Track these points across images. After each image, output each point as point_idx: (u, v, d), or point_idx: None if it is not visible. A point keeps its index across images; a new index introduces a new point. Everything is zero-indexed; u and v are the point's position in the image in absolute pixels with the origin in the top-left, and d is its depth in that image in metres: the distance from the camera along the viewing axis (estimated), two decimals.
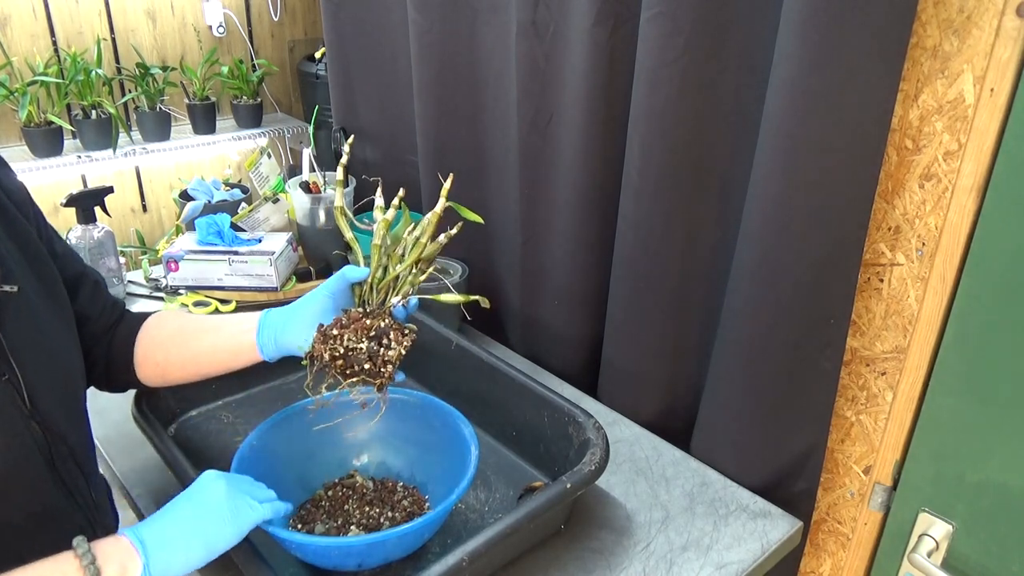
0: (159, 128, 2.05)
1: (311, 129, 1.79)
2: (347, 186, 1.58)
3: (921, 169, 0.82)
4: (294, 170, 1.98)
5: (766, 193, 0.86)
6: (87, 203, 1.37)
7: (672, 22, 0.88)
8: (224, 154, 2.28)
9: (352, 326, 0.79)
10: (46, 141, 1.87)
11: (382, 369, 0.78)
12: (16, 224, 0.75)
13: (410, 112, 1.40)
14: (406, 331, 0.81)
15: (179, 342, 0.89)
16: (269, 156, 1.61)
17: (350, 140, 1.06)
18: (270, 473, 0.83)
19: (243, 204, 1.51)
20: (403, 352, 0.79)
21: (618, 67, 1.00)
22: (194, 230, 1.44)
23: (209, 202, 1.52)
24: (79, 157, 1.91)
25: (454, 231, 0.86)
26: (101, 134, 1.94)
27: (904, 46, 0.76)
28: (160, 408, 1.01)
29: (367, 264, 0.85)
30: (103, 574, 0.61)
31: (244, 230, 1.46)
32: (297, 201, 1.50)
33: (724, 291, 0.97)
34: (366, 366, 0.78)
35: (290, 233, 1.51)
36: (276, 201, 1.51)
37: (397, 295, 0.83)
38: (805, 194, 0.83)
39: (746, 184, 0.89)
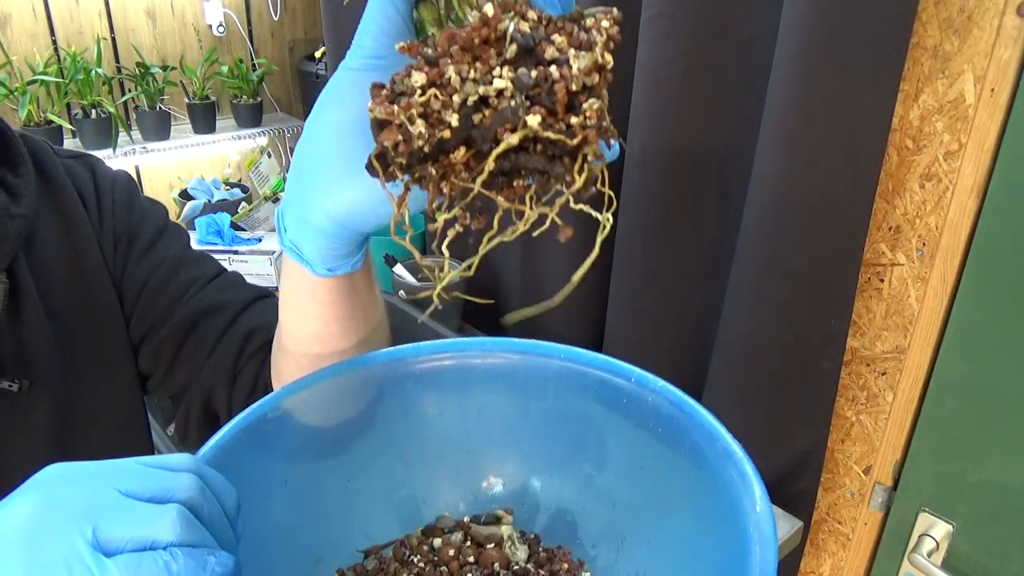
0: (159, 127, 2.05)
1: None
2: None
3: (922, 169, 0.82)
4: None
5: (766, 193, 0.86)
6: None
7: (672, 22, 0.88)
8: (224, 153, 2.28)
9: (457, 46, 0.32)
10: (46, 140, 1.87)
11: (572, 121, 0.32)
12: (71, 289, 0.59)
13: None
14: (595, 15, 0.34)
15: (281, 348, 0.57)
16: (269, 155, 1.61)
17: None
18: (315, 485, 0.45)
19: (243, 203, 1.51)
20: (610, 58, 0.33)
21: (618, 67, 1.00)
22: (194, 229, 1.44)
23: (209, 201, 1.52)
24: None
25: None
26: (101, 133, 1.94)
27: (904, 46, 0.76)
28: (160, 407, 1.01)
29: None
30: None
31: (244, 229, 1.46)
32: None
33: (724, 291, 0.97)
34: (530, 120, 0.31)
35: None
36: (276, 200, 1.51)
37: None
38: (805, 194, 0.83)
39: (746, 184, 0.89)
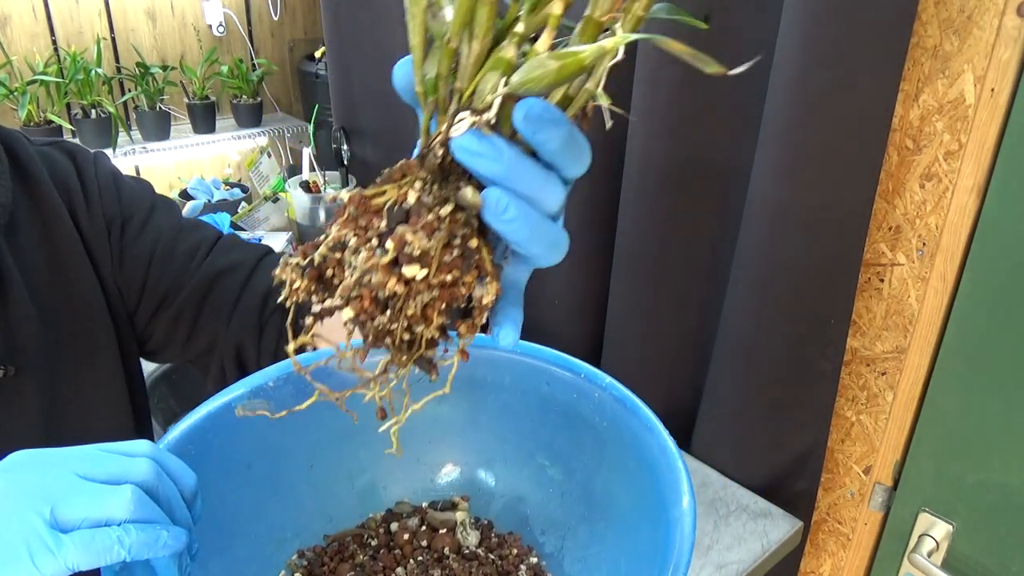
0: (159, 127, 2.05)
1: (311, 129, 1.79)
2: (347, 185, 1.58)
3: (922, 169, 0.82)
4: (294, 169, 1.98)
5: (766, 193, 0.86)
6: None
7: (673, 22, 0.88)
8: (224, 153, 2.28)
9: (345, 215, 0.33)
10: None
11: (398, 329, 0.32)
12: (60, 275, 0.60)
13: (410, 112, 1.40)
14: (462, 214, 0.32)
15: None
16: (269, 155, 1.61)
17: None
18: (269, 471, 0.46)
19: (243, 203, 1.51)
20: (486, 262, 0.32)
21: (618, 67, 1.00)
22: None
23: (209, 201, 1.52)
24: None
25: None
26: (101, 133, 1.94)
27: (904, 46, 0.76)
28: (160, 408, 1.01)
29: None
30: None
31: (244, 229, 1.46)
32: (297, 200, 1.51)
33: (724, 291, 0.97)
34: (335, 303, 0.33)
35: (290, 232, 1.51)
36: (276, 200, 1.51)
37: (470, 93, 0.32)
38: (805, 194, 0.83)
39: (746, 184, 0.89)
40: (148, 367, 0.90)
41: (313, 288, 0.33)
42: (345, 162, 1.60)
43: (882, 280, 0.89)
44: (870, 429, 0.96)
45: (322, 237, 0.34)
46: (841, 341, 0.90)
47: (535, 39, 0.31)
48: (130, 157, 2.00)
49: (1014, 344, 0.77)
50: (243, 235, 1.43)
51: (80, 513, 0.35)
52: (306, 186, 1.53)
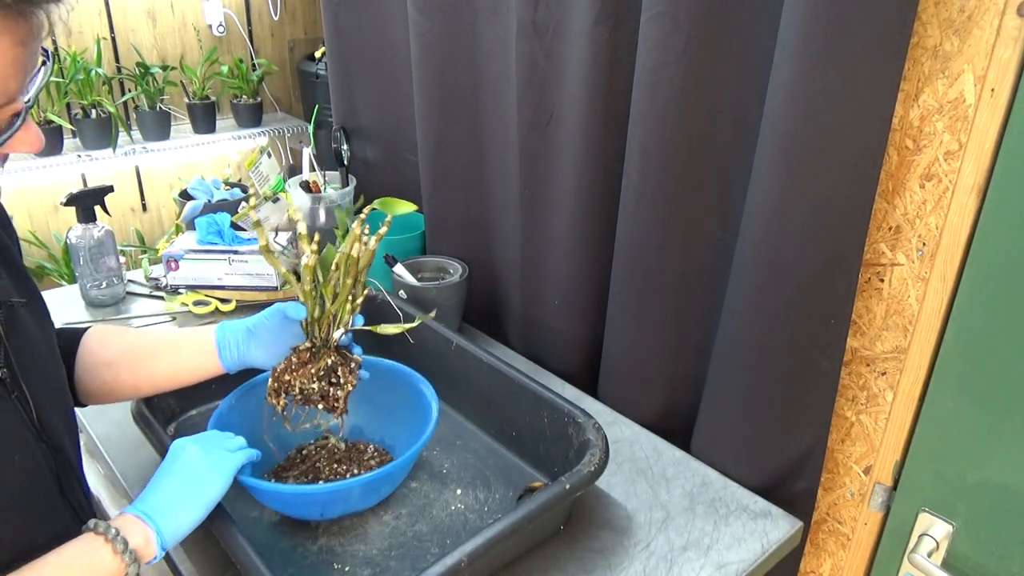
0: (159, 127, 2.05)
1: (311, 128, 1.79)
2: (347, 185, 1.57)
3: (922, 169, 0.82)
4: (294, 169, 1.98)
5: (766, 193, 0.86)
6: (87, 202, 1.37)
7: (673, 22, 0.88)
8: (224, 153, 2.28)
9: (300, 370, 0.87)
10: (46, 140, 1.87)
11: (335, 404, 0.88)
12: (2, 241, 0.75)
13: (410, 111, 1.40)
14: (352, 365, 0.89)
15: (130, 362, 0.89)
16: (269, 155, 1.61)
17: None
18: (248, 433, 0.88)
19: (243, 203, 1.51)
20: (351, 388, 0.88)
21: (618, 67, 1.00)
22: (194, 229, 1.44)
23: (209, 201, 1.52)
24: (79, 156, 1.91)
25: (383, 231, 0.87)
26: (101, 133, 1.94)
27: (905, 46, 0.76)
28: (160, 408, 1.01)
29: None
30: (130, 545, 0.66)
31: (244, 229, 1.46)
32: (297, 200, 1.50)
33: (724, 291, 0.97)
34: (320, 406, 0.88)
35: (290, 232, 1.51)
36: (276, 200, 1.51)
37: (339, 328, 0.88)
38: (805, 194, 0.83)
39: (746, 184, 0.89)
40: None
41: (284, 401, 0.89)
42: (345, 162, 1.60)
43: (882, 280, 0.89)
44: (870, 429, 0.96)
45: (288, 377, 0.88)
46: (841, 341, 0.90)
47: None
48: (130, 157, 2.00)
49: (1014, 344, 0.77)
50: (243, 235, 1.43)
51: (235, 445, 0.81)
52: (306, 186, 1.54)
